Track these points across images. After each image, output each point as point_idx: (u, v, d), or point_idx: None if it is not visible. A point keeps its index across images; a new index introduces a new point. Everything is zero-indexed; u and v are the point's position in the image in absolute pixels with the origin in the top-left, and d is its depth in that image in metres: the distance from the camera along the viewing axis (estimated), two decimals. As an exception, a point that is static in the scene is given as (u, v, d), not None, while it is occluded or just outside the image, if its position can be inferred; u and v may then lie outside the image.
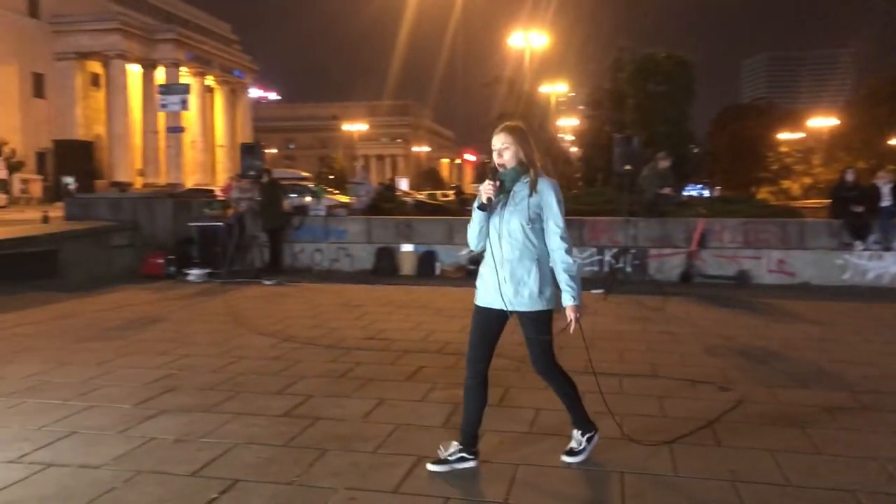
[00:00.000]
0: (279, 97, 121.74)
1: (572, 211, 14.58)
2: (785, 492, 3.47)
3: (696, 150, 24.91)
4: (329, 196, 23.04)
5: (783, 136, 65.43)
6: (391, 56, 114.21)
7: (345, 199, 23.30)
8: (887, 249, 11.05)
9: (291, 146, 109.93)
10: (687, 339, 7.19)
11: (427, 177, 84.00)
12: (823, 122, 61.33)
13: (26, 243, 10.64)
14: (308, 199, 23.22)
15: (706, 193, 73.81)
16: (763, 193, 64.82)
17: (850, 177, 11.68)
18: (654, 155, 12.78)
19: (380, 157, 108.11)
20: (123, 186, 40.85)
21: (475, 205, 3.59)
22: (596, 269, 12.04)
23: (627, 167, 10.36)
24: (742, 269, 11.57)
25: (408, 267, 12.66)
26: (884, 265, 11.13)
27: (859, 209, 11.09)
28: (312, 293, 10.32)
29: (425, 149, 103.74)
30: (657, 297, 9.84)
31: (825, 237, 11.42)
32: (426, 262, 12.65)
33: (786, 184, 61.84)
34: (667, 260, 11.88)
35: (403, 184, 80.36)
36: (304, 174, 29.23)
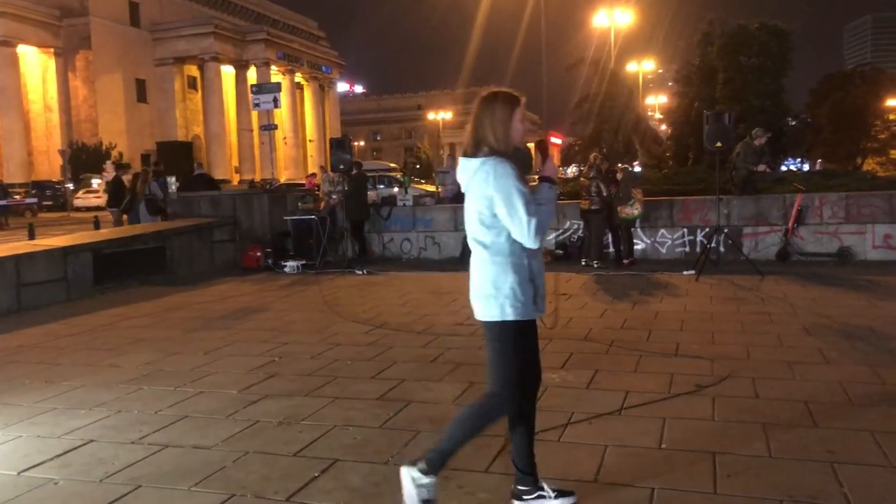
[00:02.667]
0: (365, 90, 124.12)
1: (661, 191, 14.40)
2: (887, 472, 3.39)
3: (793, 123, 23.80)
4: (416, 185, 23.42)
5: (893, 102, 61.38)
6: (473, 42, 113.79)
7: (431, 188, 23.63)
8: None
9: (378, 137, 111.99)
10: (783, 319, 6.98)
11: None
12: (938, 85, 56.83)
13: (136, 241, 11.37)
14: (396, 189, 23.73)
15: (806, 168, 70.38)
16: (870, 164, 61.16)
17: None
18: (749, 131, 12.37)
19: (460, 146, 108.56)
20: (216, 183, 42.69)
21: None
22: (687, 249, 11.78)
23: (718, 144, 10.05)
24: (843, 245, 11.04)
25: (494, 253, 12.74)
26: None
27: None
28: (402, 281, 10.57)
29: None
30: (752, 277, 9.56)
31: (940, 209, 10.75)
32: (513, 247, 12.69)
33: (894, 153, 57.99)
34: (762, 238, 11.48)
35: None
36: (392, 165, 29.74)
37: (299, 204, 13.31)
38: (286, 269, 11.93)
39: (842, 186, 14.96)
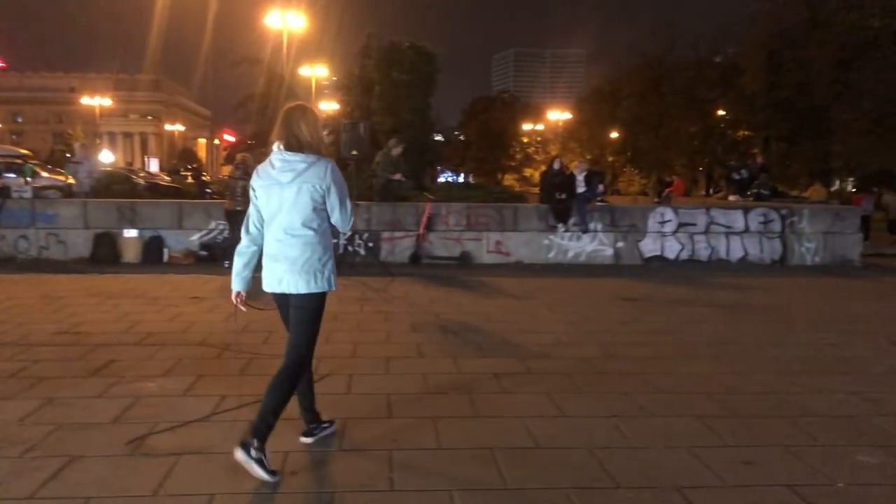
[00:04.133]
0: (4, 65, 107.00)
1: None
2: (435, 455, 3.79)
3: (438, 138, 26.13)
4: (51, 176, 20.81)
5: (527, 127, 71.14)
6: (143, 28, 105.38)
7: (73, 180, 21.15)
8: (584, 231, 12.50)
9: (20, 120, 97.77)
10: (398, 317, 7.54)
11: (183, 157, 79.17)
12: (559, 115, 67.33)
13: None
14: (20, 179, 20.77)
15: (461, 179, 77.67)
16: (509, 180, 70.09)
17: (556, 166, 13.02)
18: (387, 142, 13.25)
19: (128, 135, 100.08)
20: None
21: None
22: (339, 251, 12.18)
23: (355, 152, 10.58)
24: (465, 250, 12.40)
25: (131, 254, 11.83)
26: (581, 245, 12.60)
27: (562, 195, 12.39)
28: (6, 285, 9.24)
29: (180, 127, 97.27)
30: (384, 279, 10.21)
31: (535, 220, 12.61)
32: (153, 248, 11.91)
33: (528, 171, 67.25)
34: (398, 242, 12.36)
35: (154, 164, 74.82)
36: (23, 151, 25.96)
37: None
38: None
39: (473, 198, 16.73)
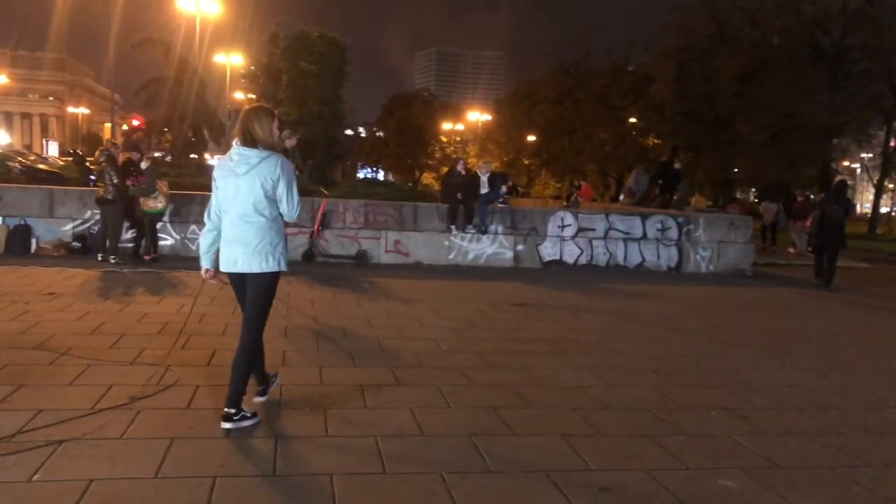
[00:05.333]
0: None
1: (181, 185, 14.02)
2: (265, 483, 3.37)
3: (348, 133, 25.54)
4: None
5: (447, 126, 71.09)
6: (46, 3, 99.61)
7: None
8: (484, 233, 12.28)
9: None
10: (270, 321, 7.01)
11: (88, 141, 75.16)
12: (479, 116, 67.61)
13: None
14: None
15: (380, 176, 76.95)
16: (428, 178, 69.91)
17: (460, 167, 12.72)
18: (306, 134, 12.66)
19: (26, 115, 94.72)
20: None
21: None
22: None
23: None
24: (362, 249, 11.97)
25: (-7, 243, 10.82)
26: (481, 247, 12.38)
27: (460, 196, 12.12)
28: None
29: (84, 110, 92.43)
30: (269, 278, 9.64)
31: (436, 220, 12.30)
32: (17, 237, 10.92)
33: (445, 170, 67.14)
34: (292, 239, 11.77)
35: (53, 148, 70.75)
36: None
37: None
38: None
39: (378, 195, 16.30)
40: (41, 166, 21.88)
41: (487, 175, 12.52)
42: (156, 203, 10.42)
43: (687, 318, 8.56)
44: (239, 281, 4.05)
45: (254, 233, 3.90)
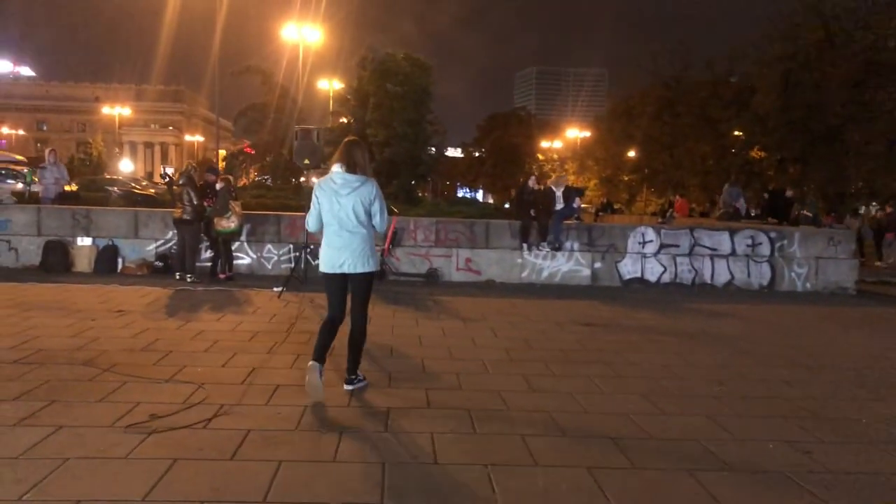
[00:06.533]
0: (34, 74, 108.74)
1: (269, 206, 14.28)
2: (255, 509, 3.20)
3: (432, 152, 25.62)
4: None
5: (545, 144, 70.50)
6: (162, 40, 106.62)
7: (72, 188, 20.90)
8: (558, 249, 11.85)
9: (45, 128, 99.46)
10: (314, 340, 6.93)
11: (203, 166, 79.52)
12: (578, 133, 66.71)
13: None
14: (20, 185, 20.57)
15: (479, 196, 77.10)
16: (523, 197, 69.26)
17: (532, 183, 12.36)
18: (395, 155, 12.70)
19: (148, 145, 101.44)
20: None
21: None
22: (293, 265, 11.64)
23: (307, 161, 10.03)
24: (433, 266, 11.80)
25: (84, 263, 11.37)
26: (556, 264, 11.93)
27: (533, 212, 11.75)
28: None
29: (199, 138, 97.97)
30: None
31: (508, 238, 11.97)
32: (106, 257, 11.44)
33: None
34: (364, 258, 11.77)
35: (169, 172, 74.63)
36: (19, 157, 25.87)
37: None
38: None
39: (458, 213, 16.12)
40: (136, 189, 23.12)
41: (562, 189, 12.09)
42: (229, 223, 10.66)
43: (769, 341, 7.83)
44: (340, 281, 4.99)
45: (359, 242, 4.90)
